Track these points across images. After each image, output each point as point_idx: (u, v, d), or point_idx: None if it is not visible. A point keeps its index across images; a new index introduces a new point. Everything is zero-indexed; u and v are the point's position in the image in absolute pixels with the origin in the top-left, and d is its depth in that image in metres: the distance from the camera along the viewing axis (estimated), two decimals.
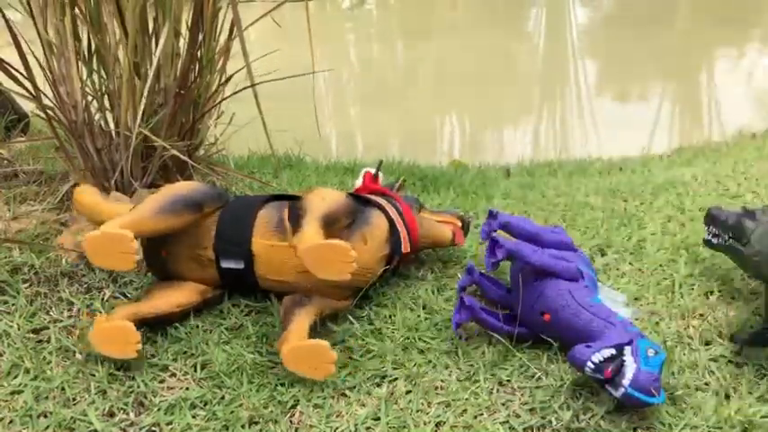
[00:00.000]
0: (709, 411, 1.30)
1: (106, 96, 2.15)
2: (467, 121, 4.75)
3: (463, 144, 4.25)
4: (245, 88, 2.21)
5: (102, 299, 1.69)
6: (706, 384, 1.40)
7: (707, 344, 1.54)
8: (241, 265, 1.62)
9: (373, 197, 1.78)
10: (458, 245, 1.87)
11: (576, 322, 1.44)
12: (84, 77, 2.09)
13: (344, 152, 3.31)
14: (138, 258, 1.44)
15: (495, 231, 1.67)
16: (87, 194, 1.72)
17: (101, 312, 1.62)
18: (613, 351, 1.30)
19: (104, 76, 2.13)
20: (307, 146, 3.03)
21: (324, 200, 1.56)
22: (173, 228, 1.56)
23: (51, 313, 1.63)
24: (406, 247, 1.73)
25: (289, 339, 1.43)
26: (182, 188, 1.61)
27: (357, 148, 3.48)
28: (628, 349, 1.31)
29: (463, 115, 4.78)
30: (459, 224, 1.89)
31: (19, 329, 1.55)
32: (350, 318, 1.63)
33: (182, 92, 2.21)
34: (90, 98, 2.13)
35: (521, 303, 1.53)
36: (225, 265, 1.63)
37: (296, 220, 1.52)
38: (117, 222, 1.47)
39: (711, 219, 1.70)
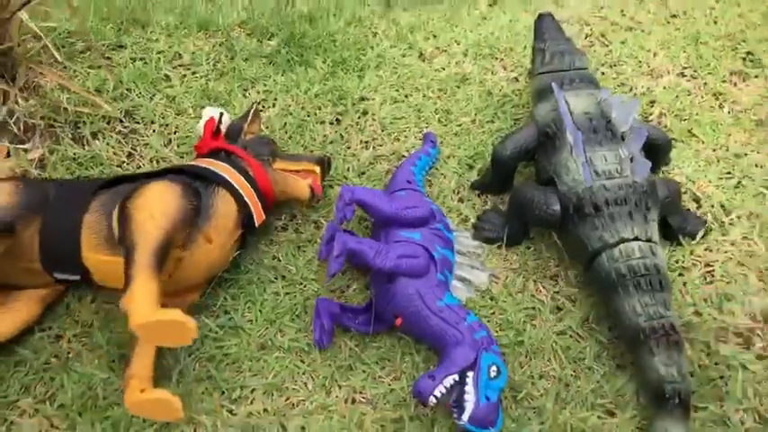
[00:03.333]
0: (547, 416, 1.40)
1: None
2: None
3: None
4: None
5: None
6: (550, 372, 1.47)
7: (558, 311, 1.58)
8: (77, 277, 1.50)
9: (215, 165, 1.59)
10: (317, 199, 1.75)
11: (426, 328, 1.44)
12: None
13: None
14: None
15: (352, 206, 1.57)
16: None
17: None
18: (456, 378, 1.34)
19: None
20: None
21: (152, 218, 1.37)
22: None
23: None
24: (259, 220, 1.61)
25: (131, 387, 1.35)
26: None
27: None
28: (470, 376, 1.34)
29: None
30: (318, 170, 1.75)
31: None
32: (205, 311, 1.57)
33: None
34: None
35: (374, 304, 1.51)
36: (59, 276, 1.50)
37: (126, 254, 1.34)
38: None
39: None
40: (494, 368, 1.36)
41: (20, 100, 2.02)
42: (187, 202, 1.45)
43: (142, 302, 1.26)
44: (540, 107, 1.77)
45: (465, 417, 1.30)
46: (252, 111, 1.81)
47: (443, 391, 1.32)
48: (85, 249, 1.45)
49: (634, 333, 1.41)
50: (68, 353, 1.52)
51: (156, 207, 1.40)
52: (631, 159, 1.58)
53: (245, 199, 1.58)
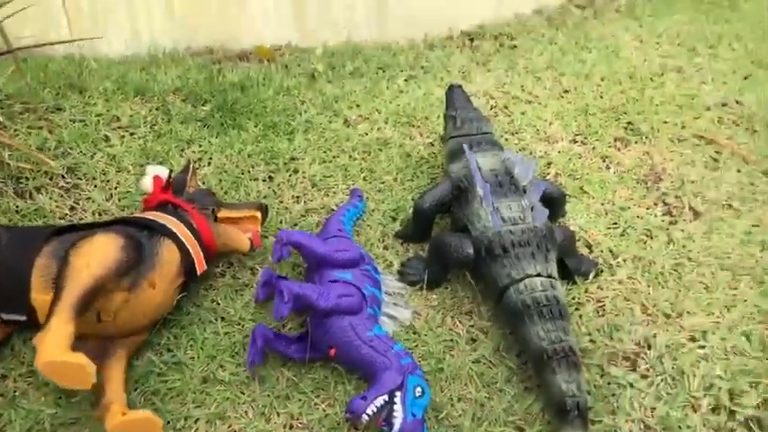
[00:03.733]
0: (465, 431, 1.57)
1: None
2: None
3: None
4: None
5: None
6: (467, 395, 1.65)
7: (472, 341, 1.78)
8: (24, 318, 1.58)
9: (161, 217, 1.73)
10: (256, 249, 1.91)
11: (358, 356, 1.60)
12: None
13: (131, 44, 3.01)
14: None
15: (288, 247, 1.73)
16: None
17: None
18: (385, 398, 1.50)
19: None
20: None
21: (87, 267, 1.46)
22: None
23: None
24: (201, 269, 1.75)
25: (112, 412, 1.43)
26: None
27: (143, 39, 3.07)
28: (398, 395, 1.50)
29: None
30: (259, 215, 1.91)
31: None
32: (150, 350, 1.67)
33: None
34: None
35: (310, 336, 1.65)
36: (6, 317, 1.58)
37: (54, 294, 1.42)
38: None
39: None
40: (418, 389, 1.52)
41: None
42: (125, 255, 1.54)
43: (53, 342, 1.32)
44: (453, 166, 2.02)
45: (395, 431, 1.46)
46: (190, 167, 1.97)
47: (374, 409, 1.47)
48: (35, 291, 1.54)
49: (539, 355, 1.62)
50: (14, 391, 1.58)
51: (94, 257, 1.49)
52: (532, 208, 1.83)
53: (189, 249, 1.71)
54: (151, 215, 1.73)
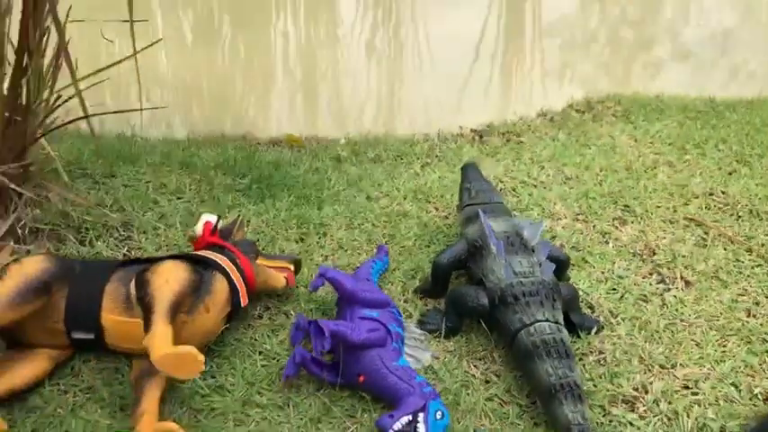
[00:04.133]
0: None
1: None
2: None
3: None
4: (74, 120, 2.25)
5: None
6: (482, 426, 1.81)
7: (486, 383, 1.95)
8: (92, 336, 1.78)
9: (212, 255, 1.96)
10: (291, 287, 2.13)
11: (384, 384, 1.78)
12: None
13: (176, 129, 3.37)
14: None
15: (323, 285, 1.97)
16: None
17: None
18: (410, 417, 1.67)
19: None
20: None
21: (167, 283, 1.72)
22: (26, 314, 1.68)
23: None
24: (244, 302, 1.96)
25: (144, 422, 1.62)
26: (29, 272, 1.71)
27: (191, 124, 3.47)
28: (421, 416, 1.68)
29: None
30: (292, 267, 2.14)
31: None
32: None
33: (10, 116, 2.21)
34: None
35: (341, 365, 1.84)
36: (76, 336, 1.78)
37: (145, 308, 1.68)
38: None
39: None
40: (439, 413, 1.70)
41: (28, 209, 2.35)
42: (192, 276, 1.81)
43: (161, 339, 1.58)
44: (468, 229, 2.27)
45: None
46: (238, 220, 2.22)
47: (400, 426, 1.65)
48: (105, 311, 1.76)
49: (547, 389, 1.80)
50: (74, 403, 1.75)
51: (171, 275, 1.76)
52: (540, 264, 2.06)
53: (235, 282, 1.94)
54: (203, 253, 1.97)
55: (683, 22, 6.16)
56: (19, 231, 2.29)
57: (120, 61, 2.22)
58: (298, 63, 5.16)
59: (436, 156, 3.32)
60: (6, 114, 2.18)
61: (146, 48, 2.19)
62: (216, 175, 2.85)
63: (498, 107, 4.30)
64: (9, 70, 2.16)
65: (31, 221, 2.32)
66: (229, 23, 5.69)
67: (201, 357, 1.57)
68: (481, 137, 3.62)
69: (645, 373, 2.00)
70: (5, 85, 2.17)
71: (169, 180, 2.76)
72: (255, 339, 2.02)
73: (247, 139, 3.45)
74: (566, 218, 2.72)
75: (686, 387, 1.96)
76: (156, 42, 2.39)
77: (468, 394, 1.91)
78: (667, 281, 2.39)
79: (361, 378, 1.81)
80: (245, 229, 2.43)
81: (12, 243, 2.25)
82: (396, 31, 5.81)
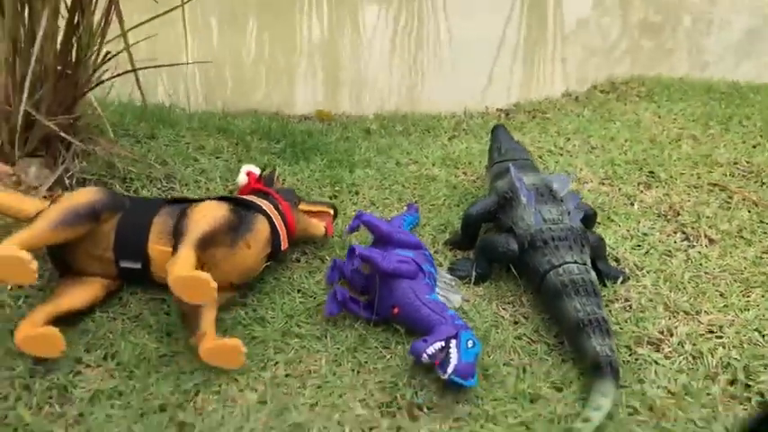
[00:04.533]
0: (510, 386, 1.79)
1: None
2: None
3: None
4: (124, 73, 2.36)
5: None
6: (511, 361, 1.88)
7: (515, 323, 2.02)
8: (138, 266, 1.87)
9: (256, 199, 2.05)
10: (329, 236, 2.22)
11: (418, 315, 1.86)
12: None
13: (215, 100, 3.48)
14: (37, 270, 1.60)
15: (358, 229, 2.05)
16: None
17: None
18: (443, 343, 1.74)
19: None
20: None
21: (204, 217, 1.81)
22: (71, 238, 1.78)
23: None
24: (285, 245, 2.05)
25: (206, 338, 1.70)
26: (80, 199, 1.81)
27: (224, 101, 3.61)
28: (453, 342, 1.75)
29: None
30: (332, 212, 2.23)
31: None
32: (237, 308, 1.94)
33: (62, 69, 2.32)
34: None
35: (377, 297, 1.92)
36: (124, 265, 1.87)
37: (178, 236, 1.77)
38: (16, 240, 1.65)
39: None
40: (470, 341, 1.76)
41: (75, 161, 2.46)
42: (231, 215, 1.89)
43: (182, 263, 1.64)
44: (498, 183, 2.34)
45: (450, 369, 1.69)
46: (276, 171, 2.32)
47: (433, 351, 1.72)
48: (151, 242, 1.85)
49: (575, 325, 1.86)
50: (123, 329, 1.85)
51: (210, 212, 1.85)
52: (569, 213, 2.13)
53: (276, 226, 2.02)
54: (248, 197, 2.06)
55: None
56: (67, 181, 2.40)
57: (165, 12, 2.31)
58: (325, 51, 5.27)
59: (463, 129, 3.40)
60: (59, 68, 2.29)
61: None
62: (252, 140, 2.95)
63: (523, 89, 4.38)
64: (63, 25, 2.27)
65: (79, 172, 2.43)
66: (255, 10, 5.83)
67: (214, 284, 1.61)
68: (507, 114, 3.69)
69: (670, 318, 2.06)
70: (59, 39, 2.27)
71: (207, 143, 2.86)
72: (294, 279, 2.11)
73: (279, 114, 3.55)
74: (592, 182, 2.78)
75: (710, 331, 2.01)
76: None
77: (497, 333, 1.98)
78: (691, 239, 2.44)
79: (396, 310, 1.89)
80: (282, 184, 2.52)
81: (61, 191, 2.36)
82: (420, 21, 5.92)
